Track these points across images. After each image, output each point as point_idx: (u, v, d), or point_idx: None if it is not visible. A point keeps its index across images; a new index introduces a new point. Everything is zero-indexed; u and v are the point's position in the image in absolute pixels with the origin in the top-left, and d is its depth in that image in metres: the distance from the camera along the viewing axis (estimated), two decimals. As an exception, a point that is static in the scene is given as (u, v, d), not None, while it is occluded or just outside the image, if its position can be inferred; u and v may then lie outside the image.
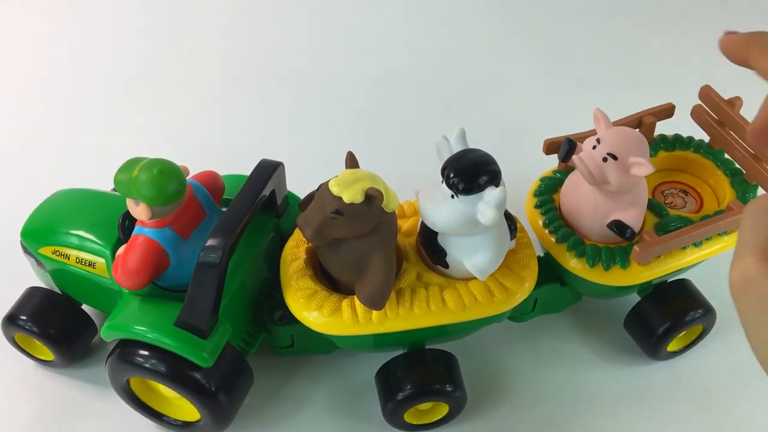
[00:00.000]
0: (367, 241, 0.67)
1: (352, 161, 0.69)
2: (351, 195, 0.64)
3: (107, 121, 1.15)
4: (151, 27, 1.33)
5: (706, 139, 0.85)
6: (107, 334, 0.71)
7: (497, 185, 0.66)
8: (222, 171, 0.79)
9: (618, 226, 0.72)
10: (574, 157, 0.71)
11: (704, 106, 0.83)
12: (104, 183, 0.85)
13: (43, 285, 0.83)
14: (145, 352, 0.70)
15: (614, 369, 0.83)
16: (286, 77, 1.23)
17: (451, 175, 0.65)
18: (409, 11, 1.37)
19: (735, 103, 0.81)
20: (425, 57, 1.27)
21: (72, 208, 0.80)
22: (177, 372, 0.69)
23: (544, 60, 1.27)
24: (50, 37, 1.31)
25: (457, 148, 0.69)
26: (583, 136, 0.77)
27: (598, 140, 0.71)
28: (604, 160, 0.69)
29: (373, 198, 0.64)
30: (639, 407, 0.80)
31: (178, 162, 0.69)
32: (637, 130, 0.80)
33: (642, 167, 0.68)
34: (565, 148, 0.72)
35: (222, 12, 1.37)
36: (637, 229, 0.73)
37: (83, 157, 1.08)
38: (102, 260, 0.75)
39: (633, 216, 0.72)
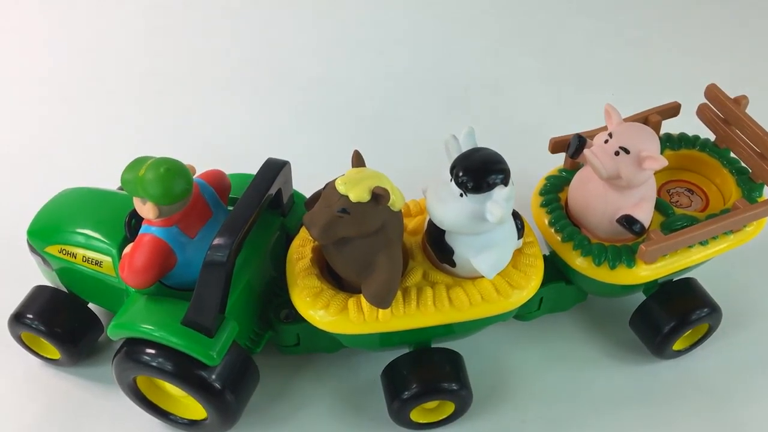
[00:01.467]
0: (374, 240, 0.67)
1: (358, 160, 0.69)
2: (357, 194, 0.64)
3: (112, 120, 1.15)
4: (155, 26, 1.33)
5: (712, 137, 0.85)
6: (114, 332, 0.71)
7: (506, 184, 0.66)
8: (228, 170, 0.79)
9: (628, 221, 0.72)
10: (586, 151, 0.71)
11: (710, 105, 0.83)
12: (110, 181, 0.85)
13: (49, 284, 0.84)
14: (152, 351, 0.70)
15: (620, 368, 0.83)
16: (291, 76, 1.23)
17: (460, 174, 0.66)
18: (410, 10, 1.37)
19: (741, 101, 0.81)
20: (429, 56, 1.27)
21: (78, 206, 0.80)
22: (183, 371, 0.70)
23: (548, 59, 1.27)
24: (52, 37, 1.31)
25: (465, 146, 0.69)
26: (590, 134, 0.77)
27: (609, 135, 0.71)
28: (616, 153, 0.70)
29: (379, 197, 0.64)
30: (644, 406, 0.80)
31: (185, 161, 0.70)
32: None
33: (655, 161, 0.69)
34: (575, 143, 0.72)
35: (227, 10, 1.37)
36: (647, 224, 0.73)
37: (89, 155, 1.08)
38: (108, 259, 0.75)
39: (644, 211, 0.72)
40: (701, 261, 0.77)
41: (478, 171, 0.65)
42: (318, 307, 0.70)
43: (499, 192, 0.65)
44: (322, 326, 0.71)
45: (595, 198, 0.74)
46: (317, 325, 0.71)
